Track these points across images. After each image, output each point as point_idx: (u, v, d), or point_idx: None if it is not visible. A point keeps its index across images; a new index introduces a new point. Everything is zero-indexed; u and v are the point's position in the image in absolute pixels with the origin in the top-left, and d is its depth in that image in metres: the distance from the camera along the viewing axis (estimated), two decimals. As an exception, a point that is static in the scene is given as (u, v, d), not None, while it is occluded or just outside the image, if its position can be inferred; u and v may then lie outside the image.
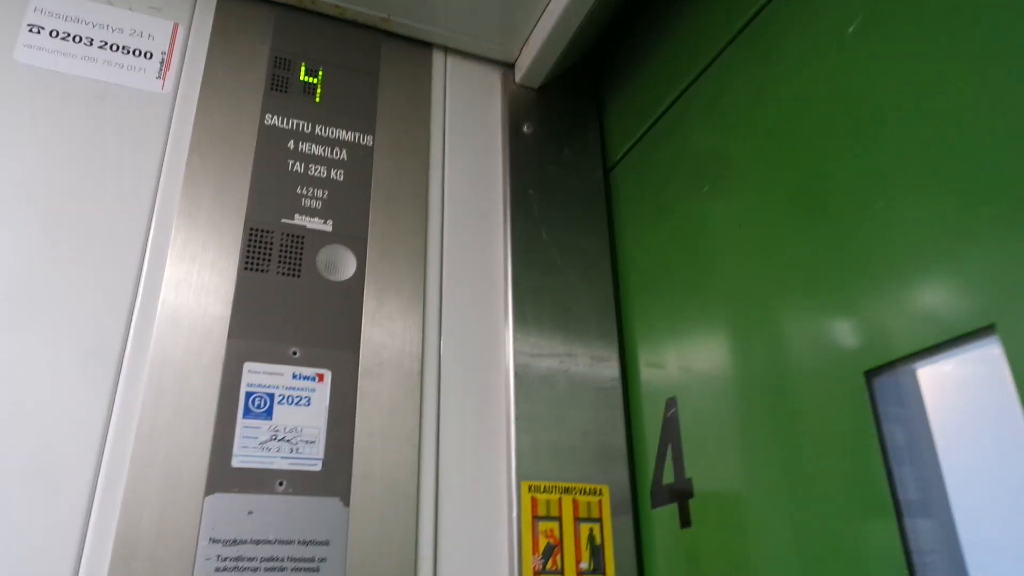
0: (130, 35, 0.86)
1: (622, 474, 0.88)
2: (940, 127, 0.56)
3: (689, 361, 0.83)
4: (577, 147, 1.06)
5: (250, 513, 0.71)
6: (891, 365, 0.58)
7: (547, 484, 0.84)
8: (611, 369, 0.93)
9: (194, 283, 0.78)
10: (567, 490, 0.85)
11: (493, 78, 1.07)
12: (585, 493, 0.86)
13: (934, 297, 0.55)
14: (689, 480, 0.79)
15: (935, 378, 0.57)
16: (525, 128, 1.04)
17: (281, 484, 0.73)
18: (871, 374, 0.59)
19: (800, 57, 0.72)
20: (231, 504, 0.71)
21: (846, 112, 0.65)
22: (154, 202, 0.80)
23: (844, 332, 0.63)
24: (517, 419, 0.86)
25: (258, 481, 0.73)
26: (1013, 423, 0.49)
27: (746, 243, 0.76)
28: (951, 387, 0.56)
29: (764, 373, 0.71)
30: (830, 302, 0.64)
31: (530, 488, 0.83)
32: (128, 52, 0.85)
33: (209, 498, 0.71)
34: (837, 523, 0.61)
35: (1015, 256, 0.49)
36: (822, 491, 0.63)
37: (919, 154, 0.57)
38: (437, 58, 1.04)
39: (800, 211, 0.69)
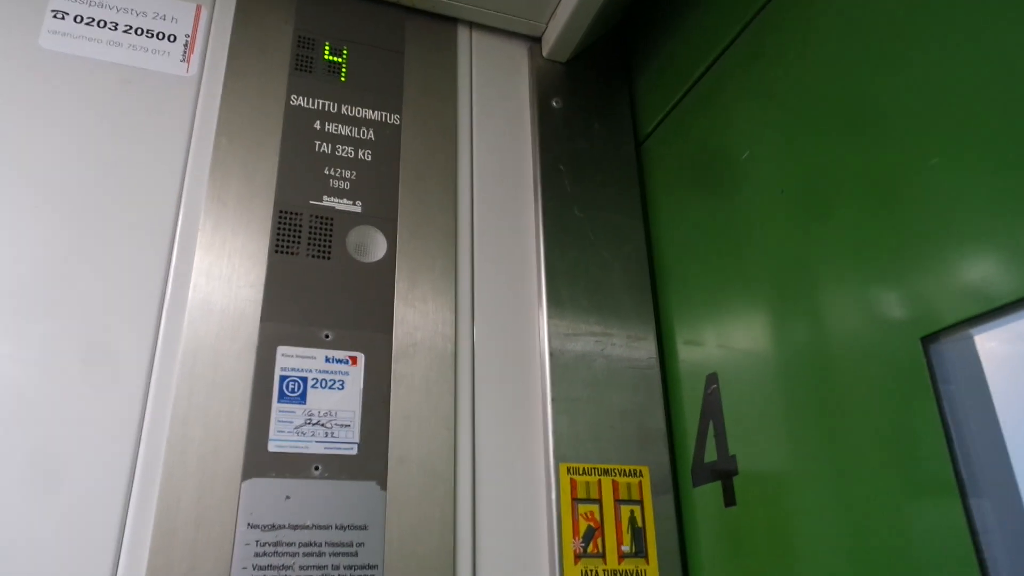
0: (153, 18, 0.85)
1: (662, 454, 0.86)
2: (991, 93, 0.53)
3: (729, 337, 0.81)
4: (607, 121, 1.03)
5: (287, 498, 0.70)
6: (948, 331, 0.56)
7: (586, 466, 0.83)
8: (648, 348, 0.91)
9: (225, 267, 0.78)
10: (606, 471, 0.83)
11: (520, 53, 1.04)
12: (625, 475, 0.84)
13: (989, 263, 0.52)
14: (733, 458, 0.77)
15: (994, 345, 0.55)
16: (554, 103, 1.01)
17: (317, 468, 0.73)
18: (927, 341, 0.57)
19: (845, 9, 0.68)
20: (268, 489, 0.70)
21: (894, 70, 0.62)
22: (182, 186, 0.79)
23: (896, 300, 0.60)
24: (554, 400, 0.84)
25: (294, 466, 0.72)
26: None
27: (788, 210, 0.73)
28: (1012, 354, 0.53)
29: (810, 345, 0.69)
30: (879, 269, 0.61)
31: (568, 470, 0.82)
32: (152, 35, 0.84)
33: (246, 483, 0.70)
34: (891, 500, 0.58)
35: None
36: (874, 467, 0.60)
37: (970, 115, 0.54)
38: (462, 34, 1.02)
39: (847, 175, 0.66)
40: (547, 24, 1.03)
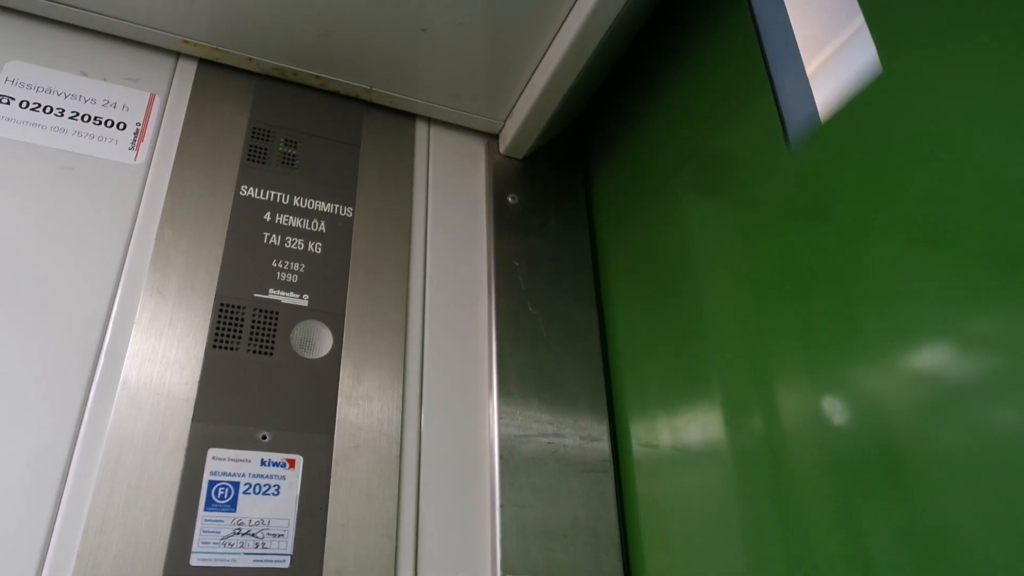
0: (103, 105, 0.84)
1: (615, 565, 0.82)
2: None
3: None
4: (564, 217, 1.04)
5: (208, 618, 0.65)
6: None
7: (535, 577, 0.78)
8: (602, 448, 0.89)
9: (159, 361, 0.74)
10: (556, 583, 0.79)
11: (477, 148, 1.05)
12: (576, 586, 0.80)
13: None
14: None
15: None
16: (510, 199, 1.02)
17: (244, 584, 0.67)
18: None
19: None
20: (187, 608, 0.65)
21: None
22: (120, 275, 0.76)
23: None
24: (502, 506, 0.81)
25: (218, 581, 0.66)
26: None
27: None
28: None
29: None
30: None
31: (516, 582, 0.77)
32: (100, 123, 0.83)
33: (164, 601, 0.64)
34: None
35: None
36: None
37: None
38: (420, 128, 1.03)
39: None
40: (505, 121, 1.04)
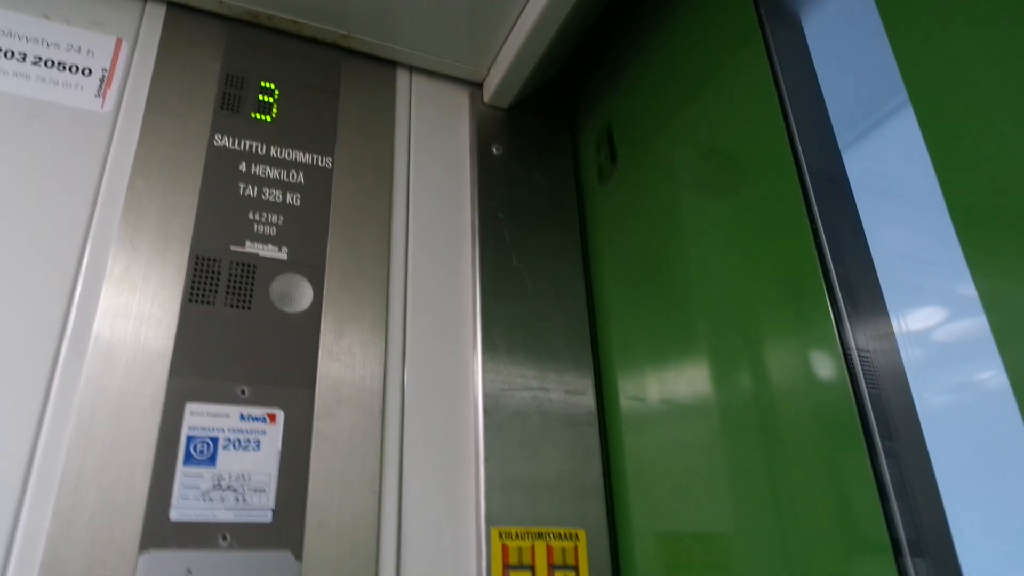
0: (67, 50, 0.80)
1: (600, 515, 0.83)
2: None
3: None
4: (549, 168, 1.01)
5: (189, 572, 0.64)
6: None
7: (519, 530, 0.78)
8: (587, 402, 0.88)
9: (133, 316, 0.72)
10: (540, 535, 0.79)
11: (461, 98, 1.02)
12: (560, 538, 0.80)
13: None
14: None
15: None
16: (494, 149, 0.99)
17: (225, 538, 0.67)
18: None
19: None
20: (168, 562, 0.64)
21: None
22: (89, 228, 0.74)
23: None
24: (487, 459, 0.80)
25: (199, 535, 0.66)
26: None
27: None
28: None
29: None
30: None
31: (501, 535, 0.77)
32: (65, 68, 0.79)
33: (143, 556, 0.64)
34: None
35: None
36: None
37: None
38: (401, 77, 0.99)
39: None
40: (488, 69, 1.01)
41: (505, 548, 0.77)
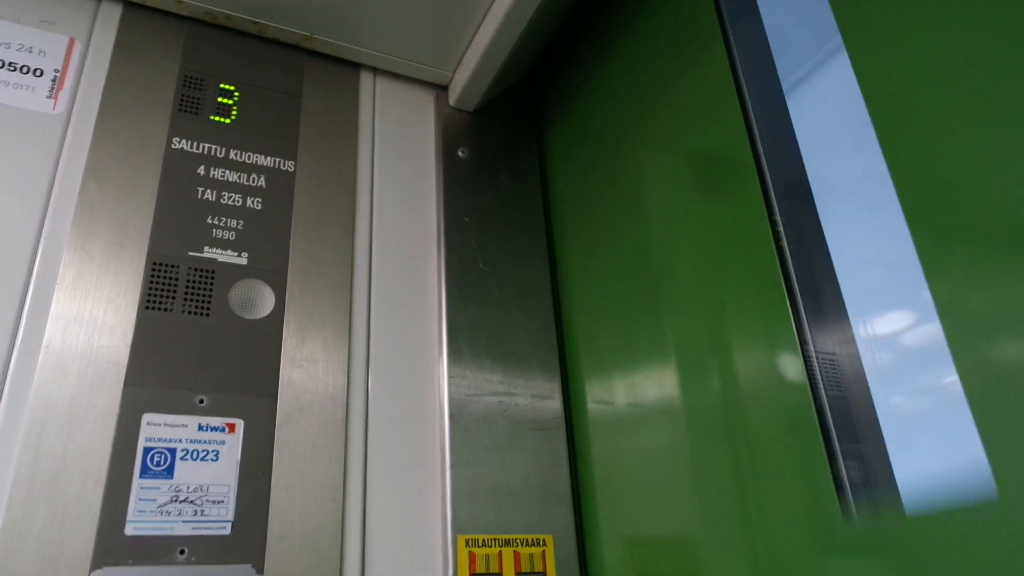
0: (17, 50, 0.78)
1: (567, 521, 0.82)
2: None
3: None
4: (515, 172, 1.01)
5: (145, 588, 0.62)
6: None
7: (486, 537, 0.77)
8: (554, 406, 0.88)
9: (85, 324, 0.70)
10: (507, 542, 0.78)
11: (425, 100, 1.01)
12: (527, 544, 0.79)
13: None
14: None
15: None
16: (460, 153, 0.98)
17: (183, 552, 0.65)
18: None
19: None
20: (122, 578, 0.62)
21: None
22: (40, 233, 0.72)
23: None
24: (452, 466, 0.79)
25: (156, 550, 0.64)
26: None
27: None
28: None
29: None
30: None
31: (467, 542, 0.76)
32: (15, 69, 0.77)
33: (97, 573, 0.62)
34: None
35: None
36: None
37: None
38: (365, 79, 0.98)
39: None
40: (454, 73, 1.00)
41: (472, 556, 0.76)
